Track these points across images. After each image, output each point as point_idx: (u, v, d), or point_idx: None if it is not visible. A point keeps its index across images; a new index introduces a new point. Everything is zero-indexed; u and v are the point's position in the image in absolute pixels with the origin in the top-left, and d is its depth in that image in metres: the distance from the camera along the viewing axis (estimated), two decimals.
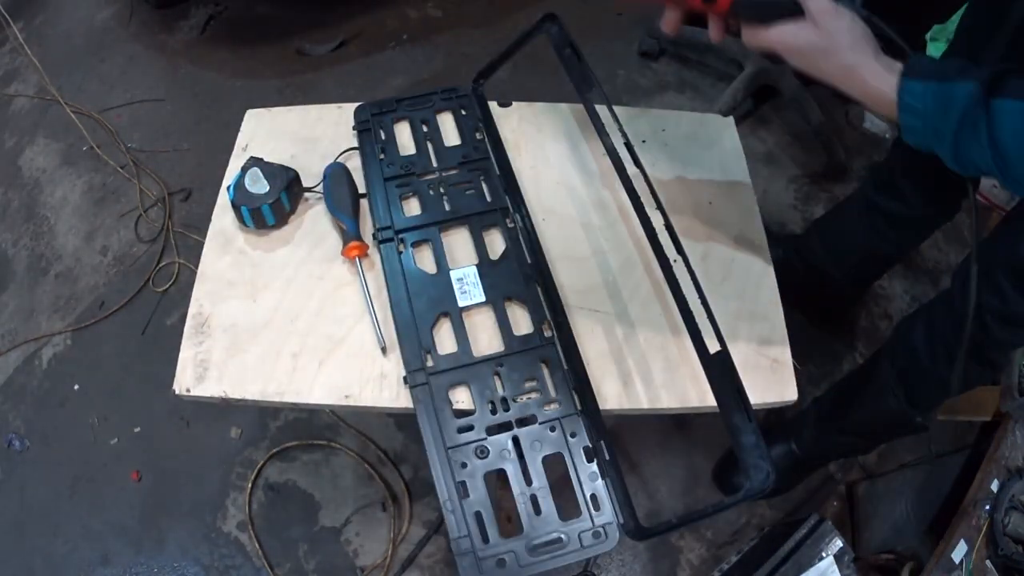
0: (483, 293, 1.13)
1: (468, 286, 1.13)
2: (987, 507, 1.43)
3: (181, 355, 1.07)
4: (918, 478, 1.66)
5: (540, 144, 1.33)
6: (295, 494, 1.83)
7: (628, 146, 1.15)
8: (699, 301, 1.02)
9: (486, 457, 0.99)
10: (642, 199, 1.11)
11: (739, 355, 1.05)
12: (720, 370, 0.99)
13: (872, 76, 0.90)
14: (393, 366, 1.06)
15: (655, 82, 2.68)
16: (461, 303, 1.11)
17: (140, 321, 2.11)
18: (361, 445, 1.88)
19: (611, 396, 1.07)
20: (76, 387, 2.03)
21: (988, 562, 1.39)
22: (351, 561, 1.74)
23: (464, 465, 0.98)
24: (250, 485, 1.82)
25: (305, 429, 1.91)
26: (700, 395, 1.08)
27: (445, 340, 1.09)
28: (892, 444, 1.80)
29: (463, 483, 0.97)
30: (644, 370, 1.09)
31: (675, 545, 1.77)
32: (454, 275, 1.14)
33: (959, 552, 1.39)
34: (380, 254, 1.15)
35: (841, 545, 1.49)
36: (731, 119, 1.41)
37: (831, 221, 1.91)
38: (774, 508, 1.82)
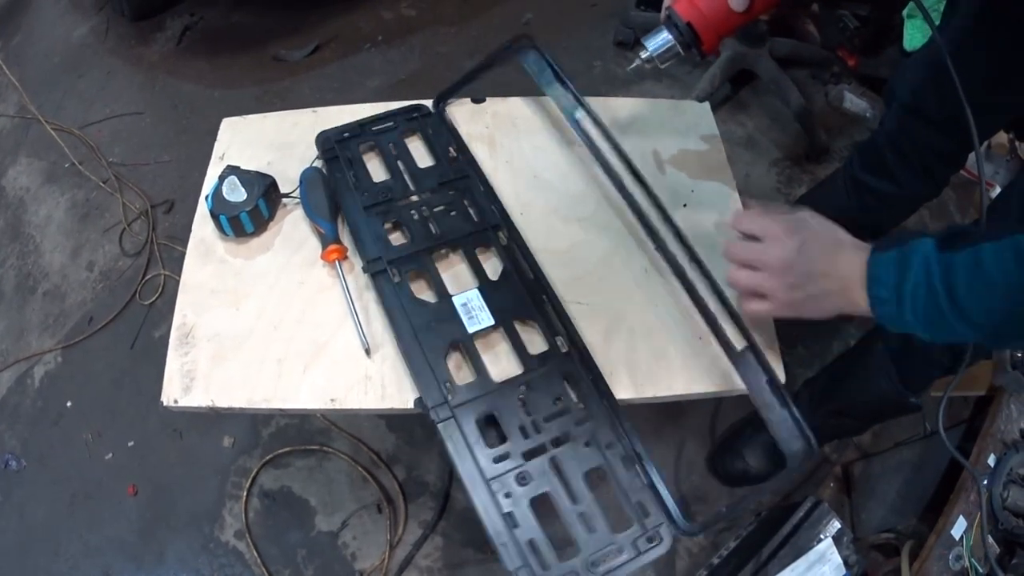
0: (491, 316, 1.09)
1: (474, 311, 1.09)
2: (985, 482, 1.43)
3: (167, 367, 1.07)
4: (914, 456, 1.66)
5: (516, 138, 1.33)
6: (290, 500, 1.83)
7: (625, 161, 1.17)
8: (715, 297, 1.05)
9: (527, 483, 0.97)
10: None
11: None
12: (750, 367, 1.03)
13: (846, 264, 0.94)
14: (377, 368, 1.06)
15: (632, 71, 2.66)
16: (470, 329, 1.08)
17: (129, 335, 2.11)
18: (353, 448, 1.87)
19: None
20: (69, 404, 2.02)
21: (989, 537, 1.39)
22: (349, 565, 1.74)
23: (508, 495, 0.96)
24: (245, 493, 1.82)
25: (297, 435, 1.91)
26: (687, 383, 1.08)
27: (460, 370, 1.06)
28: (887, 423, 1.81)
29: (510, 513, 0.95)
30: (631, 360, 1.09)
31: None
32: (457, 301, 1.10)
33: (959, 528, 1.39)
34: (375, 288, 1.12)
35: (839, 526, 1.48)
36: (707, 105, 1.41)
37: (817, 197, 1.92)
38: (770, 492, 1.82)
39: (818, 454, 1.01)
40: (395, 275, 1.12)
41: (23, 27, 2.97)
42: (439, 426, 1.00)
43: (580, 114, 1.23)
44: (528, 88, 1.39)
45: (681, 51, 1.07)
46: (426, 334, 1.06)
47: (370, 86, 2.65)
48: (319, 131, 1.29)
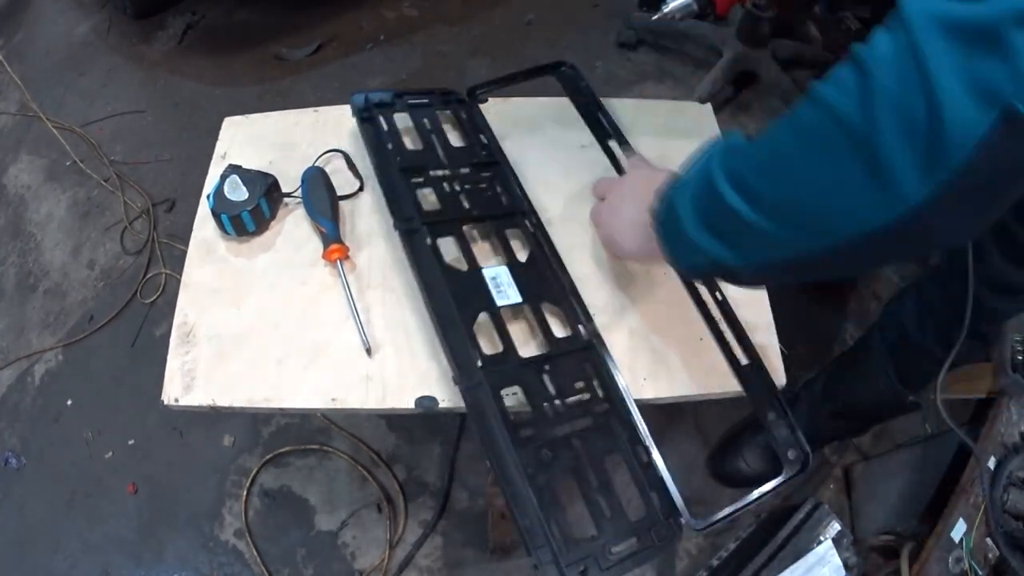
0: (519, 294, 1.09)
1: (503, 286, 1.08)
2: (985, 485, 1.43)
3: (168, 365, 1.07)
4: (914, 458, 1.66)
5: (518, 139, 1.32)
6: (290, 499, 1.83)
7: None
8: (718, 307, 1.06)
9: (549, 461, 0.94)
10: None
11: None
12: (754, 380, 1.05)
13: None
14: (378, 367, 1.06)
15: (634, 72, 2.68)
16: (499, 302, 1.07)
17: (130, 333, 2.11)
18: (354, 447, 1.87)
19: None
20: (69, 402, 2.02)
21: (988, 539, 1.38)
22: (349, 564, 1.74)
23: (530, 471, 0.92)
24: (245, 492, 1.82)
25: (297, 434, 1.91)
26: (687, 384, 1.08)
27: (486, 340, 1.04)
28: (887, 425, 1.80)
29: (533, 488, 0.91)
30: (631, 361, 1.09)
31: None
32: (487, 273, 1.09)
33: (958, 531, 1.39)
34: (406, 246, 1.10)
35: (839, 528, 1.48)
36: (709, 106, 1.41)
37: None
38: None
39: (814, 461, 1.01)
40: (429, 238, 1.11)
41: (25, 25, 2.98)
42: (467, 392, 0.98)
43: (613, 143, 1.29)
44: (528, 89, 1.39)
45: (697, 10, 1.14)
46: (457, 299, 1.05)
47: (372, 85, 2.64)
48: (353, 95, 1.28)
